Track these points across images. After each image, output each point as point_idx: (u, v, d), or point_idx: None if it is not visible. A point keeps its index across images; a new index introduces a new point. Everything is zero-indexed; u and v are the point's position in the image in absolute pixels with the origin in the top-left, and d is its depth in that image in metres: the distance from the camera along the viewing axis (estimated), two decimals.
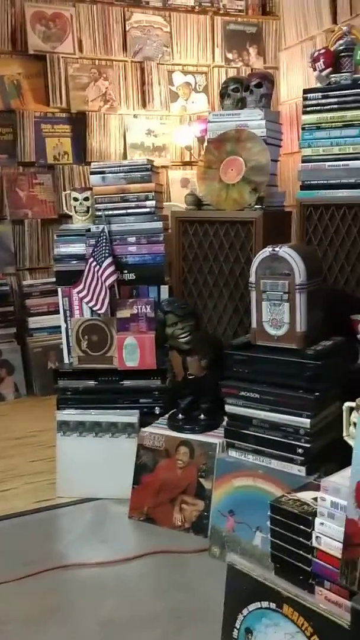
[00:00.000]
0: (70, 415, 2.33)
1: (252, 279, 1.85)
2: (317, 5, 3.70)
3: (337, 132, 2.06)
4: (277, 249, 1.81)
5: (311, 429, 1.73)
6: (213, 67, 4.21)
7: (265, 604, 1.34)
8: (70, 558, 1.92)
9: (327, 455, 1.80)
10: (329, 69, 2.07)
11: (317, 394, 1.74)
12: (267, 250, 1.83)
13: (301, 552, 1.35)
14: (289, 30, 3.99)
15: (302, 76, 3.90)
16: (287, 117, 3.92)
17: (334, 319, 1.95)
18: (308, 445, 1.73)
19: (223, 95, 2.40)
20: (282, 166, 2.41)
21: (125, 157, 3.95)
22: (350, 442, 1.43)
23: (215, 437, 2.07)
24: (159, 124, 4.05)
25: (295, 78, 4.00)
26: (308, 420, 1.72)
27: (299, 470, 1.75)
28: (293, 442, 1.75)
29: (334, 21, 3.58)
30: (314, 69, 2.10)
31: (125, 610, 1.66)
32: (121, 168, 2.45)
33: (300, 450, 1.74)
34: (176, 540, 1.98)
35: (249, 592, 1.35)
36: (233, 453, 1.91)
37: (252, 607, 1.36)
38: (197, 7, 4.13)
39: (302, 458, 1.74)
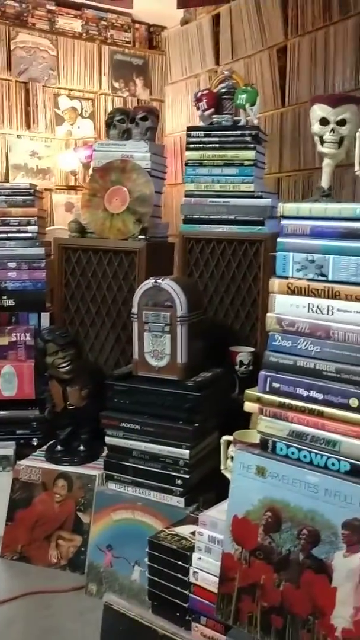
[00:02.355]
0: None
1: (135, 310, 1.86)
2: (201, 46, 3.85)
3: (218, 170, 2.14)
4: (159, 281, 1.83)
5: (190, 459, 1.74)
6: (100, 95, 4.23)
7: None
8: None
9: (206, 486, 1.83)
10: (211, 110, 2.16)
11: (196, 425, 1.76)
12: (149, 282, 1.84)
13: (178, 588, 1.35)
14: (175, 66, 4.12)
15: (186, 111, 4.02)
16: (171, 149, 4.01)
17: (214, 350, 2.00)
18: (187, 476, 1.74)
19: (109, 125, 2.41)
20: (165, 197, 2.46)
21: (7, 177, 3.83)
22: (228, 475, 1.46)
23: (94, 469, 2.03)
24: (43, 147, 3.98)
25: (179, 112, 4.12)
26: (187, 452, 1.74)
27: (177, 501, 1.75)
28: (172, 473, 1.76)
29: (217, 62, 3.74)
30: (197, 108, 2.17)
31: None
32: (2, 191, 2.37)
33: (179, 482, 1.75)
34: (51, 579, 1.90)
35: (125, 632, 1.33)
36: (112, 485, 1.88)
37: None
38: (84, 34, 4.15)
39: (181, 489, 1.75)
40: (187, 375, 1.83)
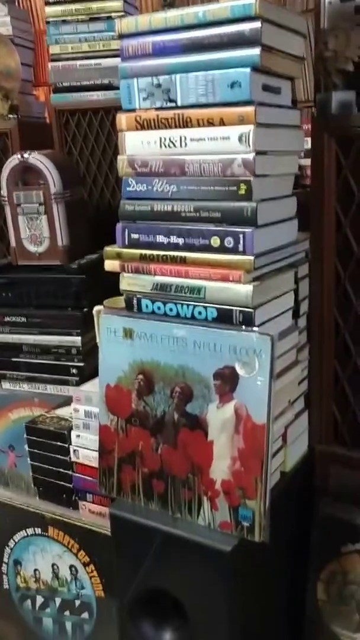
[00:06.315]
0: None
1: (4, 192, 1.68)
2: None
3: (84, 26, 1.89)
4: (26, 155, 1.64)
5: (83, 347, 1.64)
6: None
7: (30, 530, 1.26)
8: None
9: None
10: None
11: (85, 309, 1.65)
12: (15, 158, 1.65)
13: (61, 469, 1.27)
14: None
15: None
16: None
17: (102, 231, 1.85)
18: (81, 364, 1.65)
19: None
20: None
21: None
22: None
23: None
24: None
25: None
26: (79, 338, 1.63)
27: (74, 391, 1.66)
28: (66, 362, 1.66)
29: None
30: None
31: None
32: None
33: (74, 371, 1.66)
34: None
35: (13, 522, 1.26)
36: (7, 385, 1.77)
37: (17, 537, 1.27)
38: None
39: (77, 378, 1.65)
40: (70, 259, 1.69)
